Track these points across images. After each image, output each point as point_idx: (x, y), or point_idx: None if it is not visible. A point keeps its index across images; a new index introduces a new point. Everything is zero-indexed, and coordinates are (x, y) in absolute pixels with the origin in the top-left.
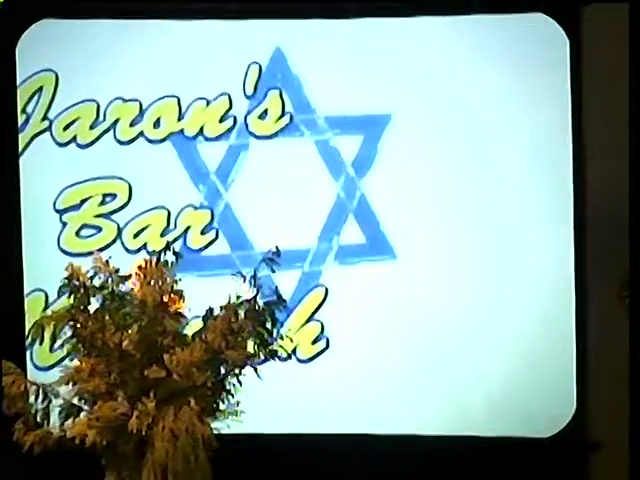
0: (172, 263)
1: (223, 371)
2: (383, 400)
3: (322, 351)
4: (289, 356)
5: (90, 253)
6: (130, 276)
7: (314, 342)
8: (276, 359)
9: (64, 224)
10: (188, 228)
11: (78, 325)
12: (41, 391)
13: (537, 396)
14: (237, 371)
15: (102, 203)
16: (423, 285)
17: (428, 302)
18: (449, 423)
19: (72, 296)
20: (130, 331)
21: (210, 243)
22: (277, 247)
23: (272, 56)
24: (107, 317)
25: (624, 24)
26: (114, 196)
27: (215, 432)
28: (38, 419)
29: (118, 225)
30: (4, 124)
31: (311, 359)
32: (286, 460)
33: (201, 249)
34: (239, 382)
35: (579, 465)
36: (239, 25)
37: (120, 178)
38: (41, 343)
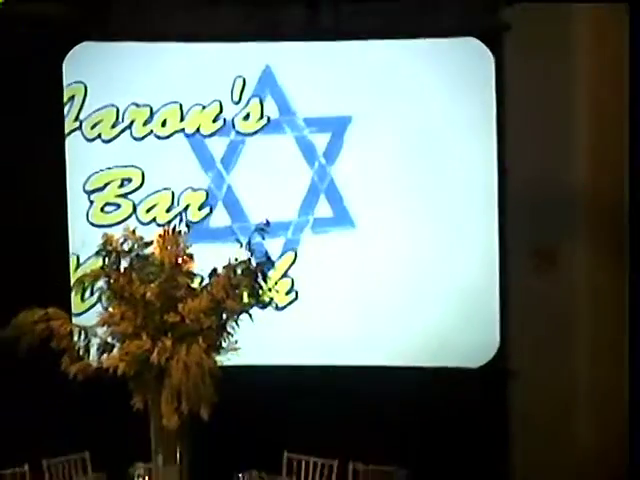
0: (185, 232)
1: (225, 317)
2: (342, 340)
3: (293, 301)
4: (268, 304)
5: (111, 225)
6: (152, 242)
7: (287, 293)
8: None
9: (91, 202)
10: (188, 205)
11: (111, 281)
12: (83, 332)
13: (469, 334)
14: (235, 317)
15: (121, 186)
16: (377, 249)
17: (381, 262)
18: (398, 357)
19: (106, 258)
20: (152, 285)
21: (206, 217)
22: (267, 220)
23: (263, 70)
24: (134, 274)
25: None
26: (130, 180)
27: (218, 364)
28: (80, 353)
29: (133, 203)
30: (54, 124)
31: (284, 307)
32: (267, 385)
33: (198, 222)
34: (237, 325)
35: (501, 388)
36: (235, 46)
37: (135, 166)
38: (82, 294)
